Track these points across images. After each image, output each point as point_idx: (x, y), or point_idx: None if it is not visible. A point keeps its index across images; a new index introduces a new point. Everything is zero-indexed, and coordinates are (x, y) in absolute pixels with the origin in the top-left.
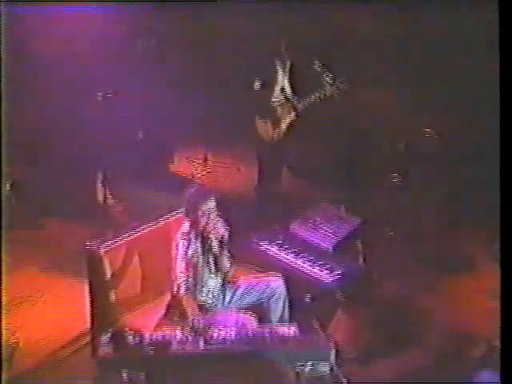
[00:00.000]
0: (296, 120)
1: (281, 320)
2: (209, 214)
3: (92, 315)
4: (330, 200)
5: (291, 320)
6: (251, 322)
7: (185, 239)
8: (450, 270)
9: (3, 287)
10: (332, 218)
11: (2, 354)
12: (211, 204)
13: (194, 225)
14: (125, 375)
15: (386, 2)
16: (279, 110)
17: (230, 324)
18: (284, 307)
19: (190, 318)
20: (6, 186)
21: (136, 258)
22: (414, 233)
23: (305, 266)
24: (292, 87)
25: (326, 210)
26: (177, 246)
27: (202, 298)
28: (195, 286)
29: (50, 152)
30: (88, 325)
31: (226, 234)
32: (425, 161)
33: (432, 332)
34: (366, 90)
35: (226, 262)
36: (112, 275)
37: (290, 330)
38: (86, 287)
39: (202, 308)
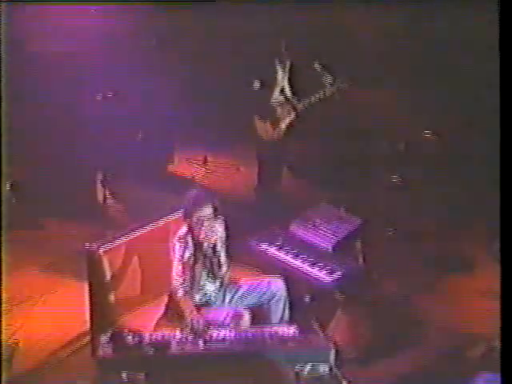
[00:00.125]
0: (296, 120)
1: (281, 321)
2: (203, 220)
3: (92, 315)
4: (329, 200)
5: (291, 320)
6: (244, 316)
7: (181, 243)
8: (450, 270)
9: (3, 287)
10: (332, 218)
11: (2, 354)
12: (207, 211)
13: (190, 229)
14: (124, 375)
15: (386, 2)
16: (279, 110)
17: (222, 319)
18: (284, 309)
19: (188, 319)
20: (6, 186)
21: (136, 259)
22: (414, 233)
23: (304, 266)
24: (292, 87)
25: (325, 210)
26: (174, 248)
27: (200, 299)
28: (192, 289)
29: (50, 152)
30: (88, 325)
31: (222, 239)
32: (425, 161)
33: (432, 332)
34: (366, 90)
35: (221, 268)
36: (112, 276)
37: (289, 330)
38: (86, 287)
39: (200, 309)
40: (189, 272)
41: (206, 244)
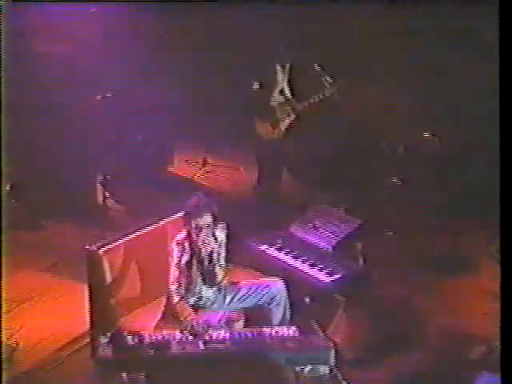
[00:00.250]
0: (296, 121)
1: (282, 322)
2: (201, 227)
3: (91, 316)
4: (329, 201)
5: (291, 321)
6: (238, 320)
7: (179, 247)
8: (450, 270)
9: (3, 287)
10: (332, 219)
11: (1, 354)
12: (207, 219)
13: (189, 234)
14: (124, 376)
15: (386, 2)
16: (279, 111)
17: (215, 322)
18: (285, 310)
19: (186, 321)
20: (6, 186)
21: (135, 260)
22: (414, 233)
23: (304, 267)
24: (291, 88)
25: (325, 210)
26: (172, 252)
27: (196, 302)
28: (188, 292)
29: (50, 152)
30: (87, 325)
31: (222, 246)
32: (425, 161)
33: (432, 333)
34: (366, 90)
35: (218, 275)
36: (112, 276)
37: (289, 331)
38: (86, 288)
39: (197, 310)
40: (185, 277)
41: (203, 251)
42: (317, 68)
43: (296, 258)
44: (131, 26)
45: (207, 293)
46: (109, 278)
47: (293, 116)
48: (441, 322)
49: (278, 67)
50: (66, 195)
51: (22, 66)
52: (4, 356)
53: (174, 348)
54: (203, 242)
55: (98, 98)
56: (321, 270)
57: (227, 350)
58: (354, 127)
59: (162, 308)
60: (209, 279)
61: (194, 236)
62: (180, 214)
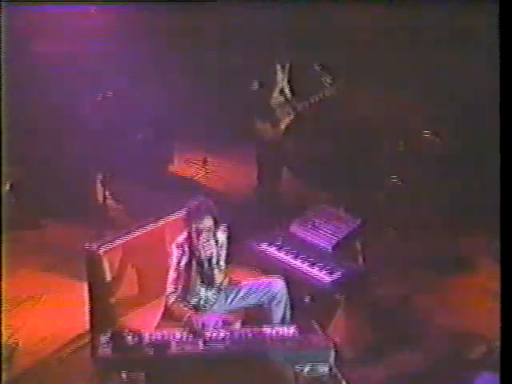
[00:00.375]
0: (295, 120)
1: (282, 321)
2: (201, 231)
3: (91, 315)
4: (329, 200)
5: (291, 320)
6: (235, 323)
7: (179, 249)
8: (450, 270)
9: (3, 287)
10: (331, 219)
11: (2, 353)
12: (207, 223)
13: (189, 237)
14: (124, 375)
15: (386, 2)
16: (279, 110)
17: (213, 324)
18: (285, 309)
19: (183, 321)
20: (6, 186)
21: (134, 259)
22: (414, 233)
23: (304, 266)
24: (291, 88)
25: (325, 210)
26: (171, 254)
27: (197, 303)
28: (187, 294)
29: (50, 152)
30: (87, 325)
31: (222, 248)
32: (425, 161)
33: (432, 332)
34: (366, 90)
35: (216, 278)
36: (111, 276)
37: (289, 330)
38: (86, 287)
39: (197, 310)
40: (183, 279)
41: (203, 255)
42: (317, 68)
43: (296, 257)
44: (131, 25)
45: (207, 294)
46: (108, 277)
47: (293, 116)
48: (441, 322)
49: (278, 67)
50: (66, 195)
51: (21, 66)
52: (4, 356)
53: (174, 348)
54: (203, 246)
55: (98, 98)
56: (321, 269)
57: (227, 349)
58: (353, 127)
59: (162, 308)
60: (208, 282)
61: (195, 239)
62: (180, 214)
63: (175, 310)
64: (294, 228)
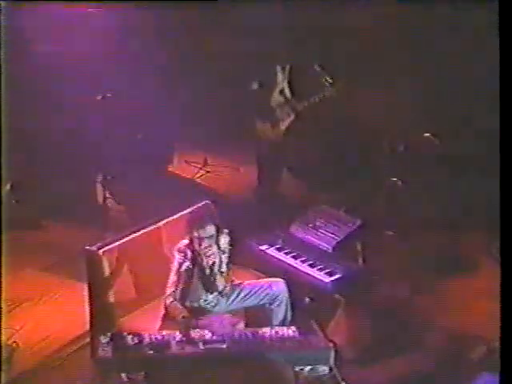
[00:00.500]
0: (295, 121)
1: (283, 322)
2: (203, 238)
3: (91, 316)
4: (329, 201)
5: (291, 321)
6: (238, 324)
7: (181, 254)
8: (450, 271)
9: (3, 287)
10: (332, 219)
11: (1, 354)
12: (210, 230)
13: (191, 243)
14: (124, 376)
15: (386, 2)
16: (279, 111)
17: (216, 326)
18: (286, 310)
19: (180, 321)
20: (6, 186)
21: (134, 260)
22: (414, 233)
23: (304, 267)
24: (291, 88)
25: (325, 211)
26: (173, 258)
27: (199, 306)
28: (187, 297)
29: (50, 152)
30: (87, 326)
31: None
32: (425, 161)
33: (431, 333)
34: (366, 90)
35: (218, 283)
36: (111, 276)
37: (289, 331)
38: (86, 288)
39: (197, 311)
40: (183, 283)
41: (205, 261)
42: (317, 68)
43: (296, 258)
44: (131, 25)
45: (208, 297)
46: (108, 278)
47: (293, 116)
48: (441, 322)
49: (278, 67)
50: (66, 195)
51: (21, 66)
52: (4, 356)
53: (174, 348)
54: (205, 254)
55: (98, 98)
56: (321, 270)
57: (227, 350)
58: (354, 127)
59: (163, 309)
60: (209, 287)
61: (197, 246)
62: (180, 214)
63: (171, 310)
64: (294, 229)
